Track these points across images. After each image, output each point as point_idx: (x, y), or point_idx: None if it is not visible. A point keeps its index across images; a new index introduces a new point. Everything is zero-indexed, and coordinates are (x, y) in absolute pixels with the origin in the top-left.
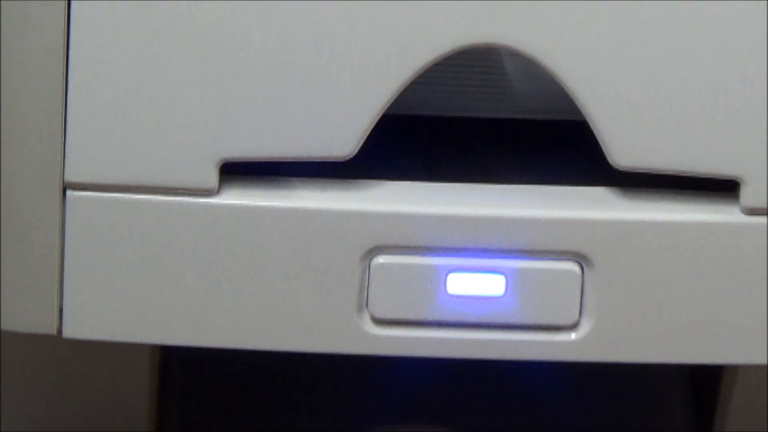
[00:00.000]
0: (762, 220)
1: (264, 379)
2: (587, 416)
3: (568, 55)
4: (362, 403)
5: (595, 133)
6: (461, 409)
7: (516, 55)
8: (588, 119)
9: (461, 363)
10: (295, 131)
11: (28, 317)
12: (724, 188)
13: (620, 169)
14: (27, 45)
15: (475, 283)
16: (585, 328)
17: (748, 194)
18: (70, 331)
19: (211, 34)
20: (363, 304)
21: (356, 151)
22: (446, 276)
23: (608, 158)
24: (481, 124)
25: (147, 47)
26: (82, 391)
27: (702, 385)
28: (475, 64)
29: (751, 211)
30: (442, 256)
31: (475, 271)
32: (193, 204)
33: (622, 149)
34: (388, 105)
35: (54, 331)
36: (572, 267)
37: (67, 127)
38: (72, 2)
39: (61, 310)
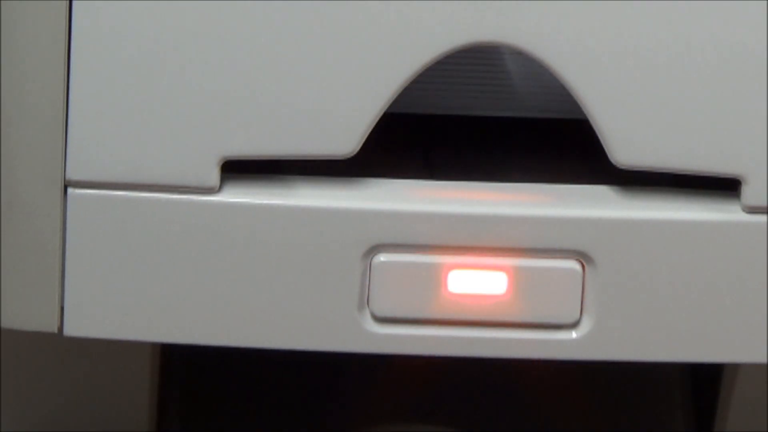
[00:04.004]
0: (763, 218)
1: (264, 379)
2: (587, 416)
3: (569, 54)
4: (362, 403)
5: (597, 131)
6: (462, 409)
7: (517, 54)
8: (589, 117)
9: (462, 362)
10: (296, 129)
11: (28, 315)
12: (725, 187)
13: (621, 167)
14: (28, 43)
15: (476, 282)
16: (586, 326)
17: (750, 193)
18: (71, 329)
19: (212, 32)
20: (364, 302)
21: (357, 150)
22: (447, 274)
23: (609, 156)
24: (483, 122)
25: (148, 45)
26: (82, 391)
27: (702, 385)
28: (476, 63)
29: (752, 210)
30: (443, 254)
31: (477, 269)
32: (194, 202)
33: (624, 147)
34: (390, 103)
35: (55, 329)
36: (573, 265)
37: (69, 125)
38: (73, 1)
39: (62, 308)
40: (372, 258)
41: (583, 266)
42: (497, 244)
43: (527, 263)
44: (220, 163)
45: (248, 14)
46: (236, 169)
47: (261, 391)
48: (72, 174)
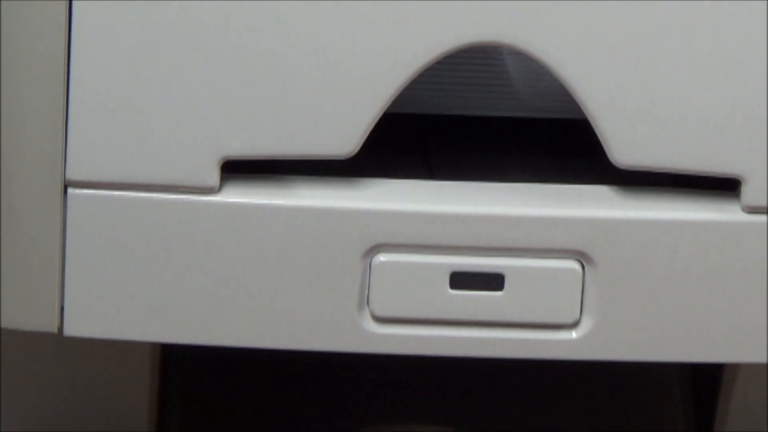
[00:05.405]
0: (762, 218)
1: (264, 379)
2: (587, 416)
3: (569, 54)
4: (362, 403)
5: (597, 131)
6: (461, 409)
7: (517, 54)
8: (589, 118)
9: (462, 361)
10: (296, 129)
11: (28, 315)
12: (725, 187)
13: (621, 167)
14: (28, 43)
15: (476, 282)
16: (586, 326)
17: (749, 193)
18: (71, 329)
19: (212, 33)
20: (364, 302)
21: (357, 150)
22: (447, 274)
23: (609, 156)
24: (482, 122)
25: (148, 45)
26: (82, 391)
27: (702, 385)
28: (476, 63)
29: (752, 210)
30: (443, 254)
31: (476, 269)
32: (194, 202)
33: (623, 148)
34: (390, 103)
35: (55, 329)
36: (573, 265)
37: (69, 125)
38: (73, 1)
39: (62, 308)
40: (372, 258)
41: (583, 266)
42: (497, 244)
43: (527, 263)
44: (220, 163)
45: (248, 14)
46: (236, 169)
47: (261, 391)
48: (72, 174)
